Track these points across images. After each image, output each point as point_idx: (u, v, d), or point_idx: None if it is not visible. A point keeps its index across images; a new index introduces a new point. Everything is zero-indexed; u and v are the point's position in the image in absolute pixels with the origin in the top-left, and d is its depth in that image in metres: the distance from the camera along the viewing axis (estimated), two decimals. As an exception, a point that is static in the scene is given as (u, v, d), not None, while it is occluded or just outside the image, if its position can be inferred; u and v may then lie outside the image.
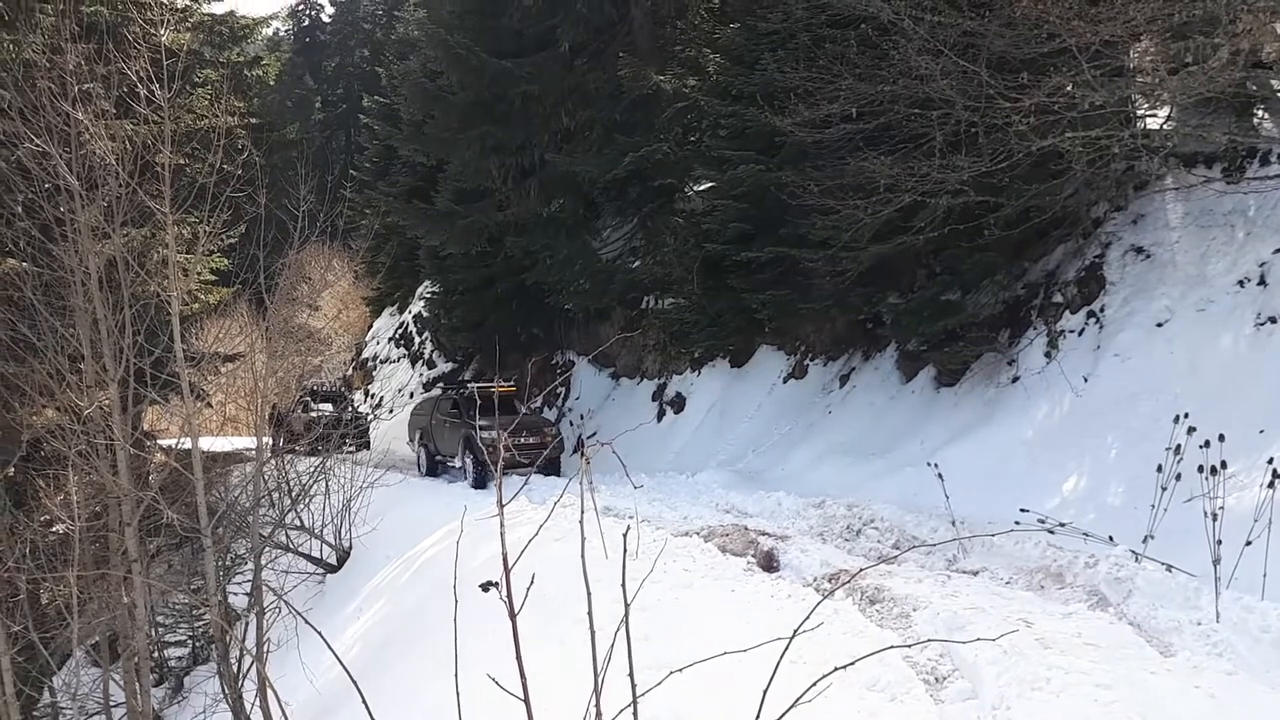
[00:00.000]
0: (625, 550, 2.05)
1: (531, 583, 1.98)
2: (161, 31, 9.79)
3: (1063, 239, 11.66)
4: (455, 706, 3.58)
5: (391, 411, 27.09)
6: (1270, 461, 5.95)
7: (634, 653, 4.01)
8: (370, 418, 22.04)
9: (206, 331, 21.12)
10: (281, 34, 62.20)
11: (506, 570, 1.84)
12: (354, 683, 2.35)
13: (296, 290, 26.77)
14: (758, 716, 1.81)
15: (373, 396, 31.33)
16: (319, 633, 3.23)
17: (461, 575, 2.57)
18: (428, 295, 26.16)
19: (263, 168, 10.69)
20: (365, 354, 34.95)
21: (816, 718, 3.74)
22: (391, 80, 26.12)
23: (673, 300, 16.84)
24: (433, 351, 28.88)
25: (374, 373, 33.11)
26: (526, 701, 1.82)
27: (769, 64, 12.28)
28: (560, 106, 17.97)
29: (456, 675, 2.11)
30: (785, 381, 15.54)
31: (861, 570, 7.03)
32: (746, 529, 9.87)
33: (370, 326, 36.01)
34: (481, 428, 14.97)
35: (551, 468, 15.34)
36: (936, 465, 8.83)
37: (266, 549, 10.30)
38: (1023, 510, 8.20)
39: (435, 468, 17.48)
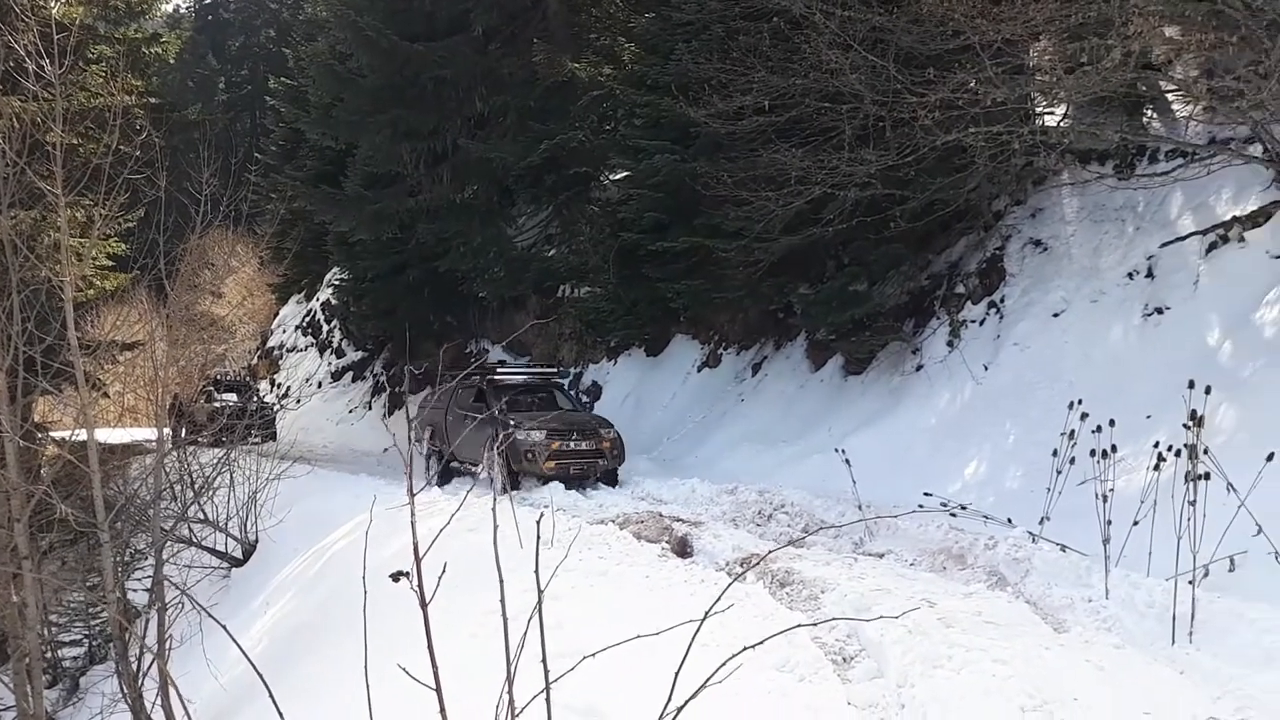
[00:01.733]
0: (538, 538, 2.05)
1: (443, 572, 1.98)
2: (51, 4, 9.34)
3: (965, 231, 12.03)
4: (368, 699, 3.54)
5: (299, 402, 26.46)
6: (1156, 445, 6.25)
7: (548, 640, 4.03)
8: (276, 408, 21.47)
9: (103, 319, 20.29)
10: (182, 11, 59.79)
11: (417, 560, 1.84)
12: (260, 677, 2.31)
13: (199, 276, 25.91)
14: (669, 699, 1.84)
15: (279, 386, 30.54)
16: (224, 627, 3.16)
17: (373, 566, 2.54)
18: (336, 282, 25.58)
19: (162, 149, 10.28)
20: (271, 342, 34.02)
21: (729, 699, 3.82)
22: (299, 62, 25.38)
23: (589, 289, 16.84)
24: (342, 340, 28.29)
25: (280, 362, 32.26)
26: (438, 691, 1.82)
27: (683, 54, 12.35)
28: (474, 92, 17.76)
29: (366, 667, 2.09)
30: (699, 370, 15.70)
31: (770, 553, 7.18)
32: (661, 516, 9.96)
33: (276, 314, 35.04)
34: (520, 427, 11.82)
35: (607, 480, 12.17)
36: (844, 451, 9.05)
37: (168, 543, 9.97)
38: (926, 494, 8.45)
39: (449, 475, 13.94)
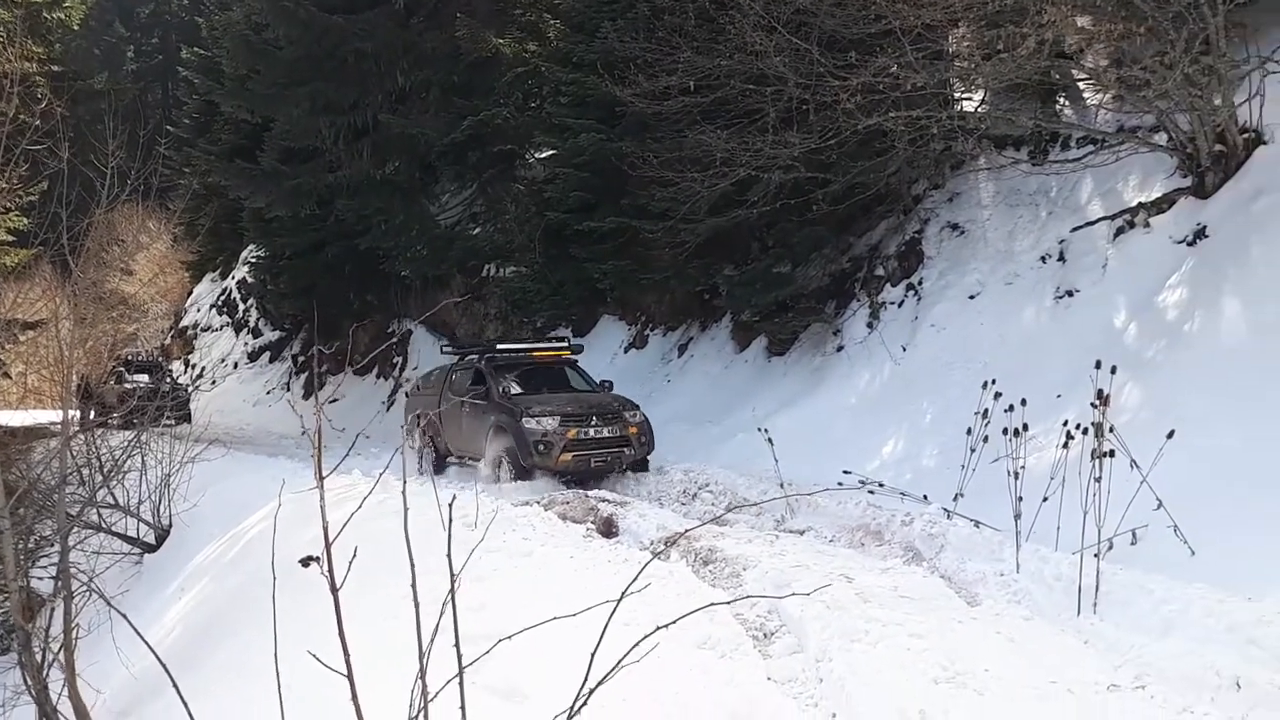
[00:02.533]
0: (450, 520, 2.03)
1: (354, 556, 1.94)
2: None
3: (885, 215, 12.23)
4: (285, 686, 3.47)
5: (214, 383, 25.76)
6: (1065, 424, 6.47)
7: (473, 622, 3.99)
8: (191, 389, 20.85)
9: (4, 296, 19.42)
10: (87, -26, 57.20)
11: (328, 544, 1.80)
12: (166, 671, 2.25)
13: (107, 253, 24.98)
14: (585, 679, 1.84)
15: (193, 367, 29.68)
16: (125, 618, 3.05)
17: (291, 552, 2.49)
18: (253, 260, 24.92)
19: (65, 119, 9.85)
20: (185, 322, 33.02)
21: (649, 677, 3.84)
22: (213, 31, 24.53)
23: (514, 269, 16.71)
24: (259, 319, 27.60)
25: (194, 342, 31.33)
26: (350, 677, 1.79)
27: (609, 33, 12.28)
28: (395, 66, 17.41)
29: (276, 655, 2.05)
30: (626, 351, 15.72)
31: (687, 531, 7.22)
32: (587, 496, 9.96)
33: (190, 293, 33.99)
34: (528, 412, 10.28)
35: (636, 470, 10.62)
36: (767, 431, 9.16)
37: (75, 529, 9.62)
38: (846, 472, 8.62)
39: (444, 468, 12.56)
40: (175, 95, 41.14)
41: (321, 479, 1.80)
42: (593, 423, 10.31)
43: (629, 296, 15.37)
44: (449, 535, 1.95)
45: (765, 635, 5.68)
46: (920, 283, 11.22)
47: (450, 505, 2.01)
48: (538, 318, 16.36)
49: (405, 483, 2.03)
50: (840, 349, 11.60)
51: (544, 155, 16.29)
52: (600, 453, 10.25)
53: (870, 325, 11.40)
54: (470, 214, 19.17)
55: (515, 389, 11.24)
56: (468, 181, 18.64)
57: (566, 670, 2.32)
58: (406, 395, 14.67)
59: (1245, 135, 8.51)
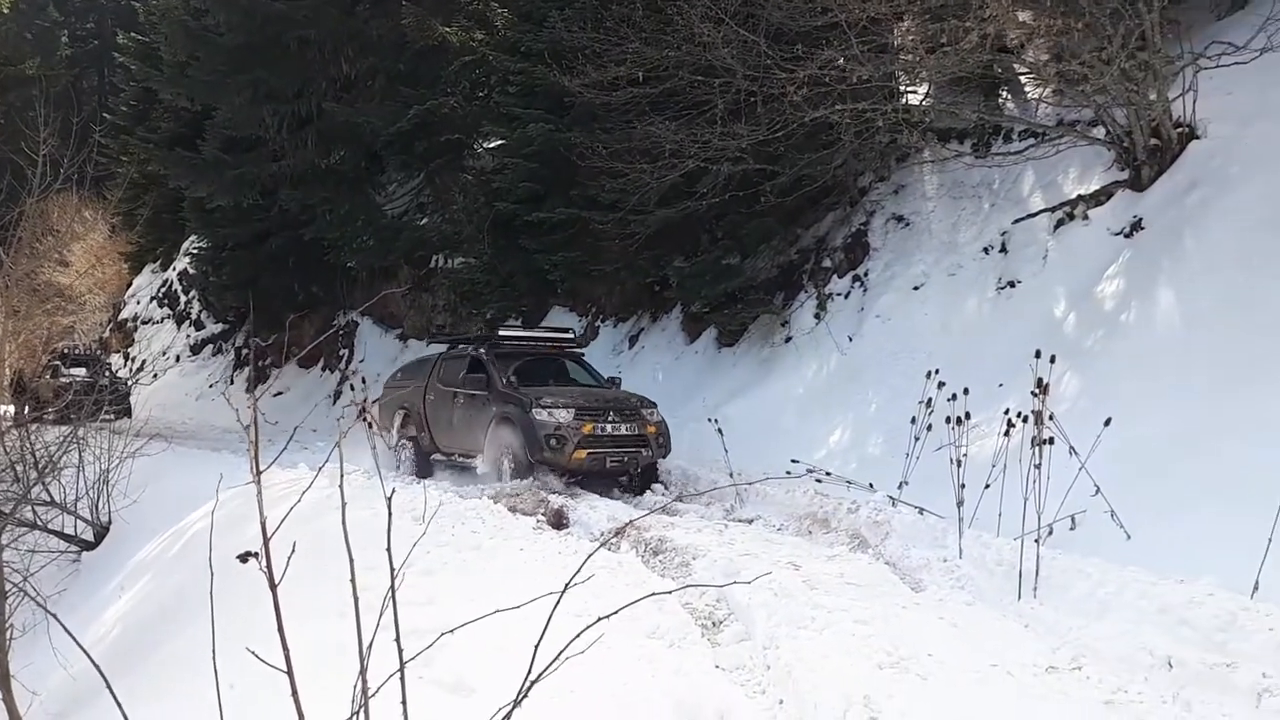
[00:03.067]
0: (390, 514, 2.01)
1: (292, 552, 1.91)
2: None
3: (832, 207, 12.35)
4: (230, 684, 3.41)
5: (155, 376, 25.21)
6: (1007, 412, 6.60)
7: (420, 617, 3.96)
8: (130, 382, 20.38)
9: (-70, 288, 18.78)
10: (17, -45, 55.41)
11: (265, 540, 1.77)
12: (100, 673, 2.20)
13: (40, 243, 24.26)
14: (528, 672, 1.84)
15: (133, 360, 29.01)
16: (59, 622, 2.98)
17: (236, 547, 2.44)
18: (194, 251, 24.40)
19: (-7, 105, 9.52)
20: (124, 314, 32.23)
21: (598, 667, 3.85)
22: (150, 17, 23.93)
23: (463, 259, 16.56)
24: (201, 311, 27.05)
25: (134, 334, 30.61)
26: (290, 673, 1.76)
27: (556, 22, 12.21)
28: (340, 53, 17.15)
29: (214, 654, 2.02)
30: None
31: (632, 522, 7.29)
32: (546, 483, 9.95)
33: (129, 284, 33.18)
34: (539, 403, 9.41)
35: (646, 477, 9.85)
36: (717, 421, 9.22)
37: (8, 527, 9.36)
38: (794, 461, 8.70)
39: (428, 467, 11.42)
40: (112, 82, 40.02)
41: (258, 474, 1.77)
42: (610, 419, 9.46)
43: (579, 288, 15.33)
44: (389, 529, 1.93)
45: (714, 624, 5.72)
46: (866, 274, 11.35)
47: (390, 499, 1.99)
48: (487, 309, 16.24)
49: (342, 477, 2.00)
50: (789, 340, 11.70)
51: (492, 145, 16.15)
52: (617, 452, 9.39)
53: (818, 316, 11.51)
54: (418, 204, 18.97)
55: (519, 380, 10.35)
56: (415, 171, 18.43)
57: (515, 663, 2.32)
58: (384, 387, 13.34)
59: (1179, 130, 8.73)
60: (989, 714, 3.75)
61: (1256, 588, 4.85)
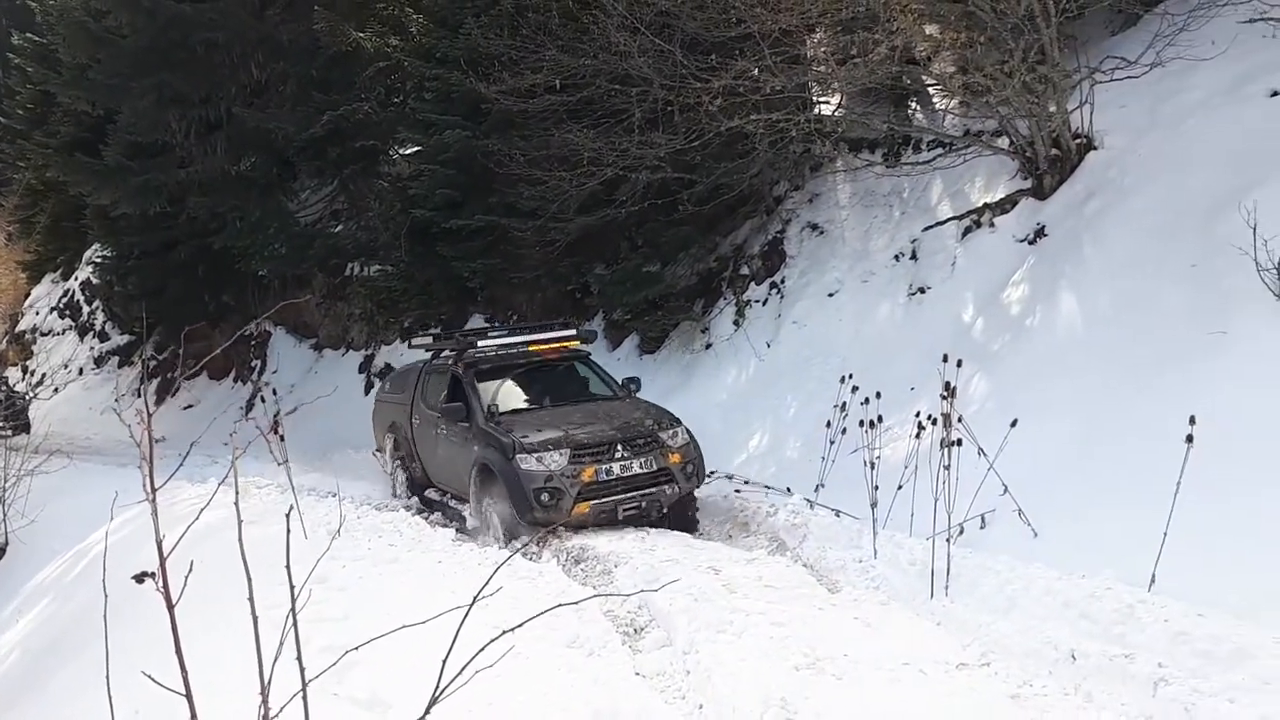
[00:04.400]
0: (289, 530, 1.97)
1: (190, 570, 1.86)
2: None
3: (749, 215, 12.51)
4: (135, 710, 3.28)
5: (56, 390, 24.21)
6: (918, 415, 6.76)
7: (334, 633, 3.88)
8: (29, 396, 19.52)
9: None
10: (-99, -50, 52.72)
11: (161, 559, 1.71)
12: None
13: (-71, 252, 23.11)
14: (437, 686, 1.81)
15: (32, 373, 27.78)
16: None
17: (143, 566, 2.36)
18: (98, 259, 23.47)
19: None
20: (22, 325, 30.84)
21: (516, 678, 3.82)
22: (48, 17, 22.91)
23: (379, 267, 16.28)
24: (105, 322, 26.05)
25: (33, 347, 29.32)
26: (188, 696, 1.71)
27: (472, 28, 12.12)
28: (250, 58, 16.69)
29: (108, 675, 1.94)
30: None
31: (554, 528, 7.26)
32: (459, 496, 9.83)
33: (28, 294, 31.77)
34: (524, 445, 7.60)
35: (681, 513, 8.08)
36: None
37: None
38: (711, 472, 8.77)
39: (427, 503, 9.75)
40: (6, 84, 38.32)
41: (153, 491, 1.71)
42: (617, 455, 7.67)
43: (499, 295, 15.21)
44: (287, 546, 1.89)
45: (635, 631, 5.74)
46: (783, 281, 11.52)
47: (289, 515, 1.95)
48: (405, 318, 16.01)
49: (238, 493, 1.95)
50: (709, 346, 11.81)
51: (408, 152, 15.94)
52: (630, 497, 7.61)
53: (736, 323, 11.64)
54: (332, 211, 18.59)
55: (507, 403, 8.52)
56: (329, 178, 18.06)
57: (431, 678, 2.29)
58: (375, 399, 11.83)
59: (1078, 140, 9.08)
60: (901, 711, 3.83)
61: (1153, 581, 5.05)
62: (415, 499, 9.85)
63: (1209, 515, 5.12)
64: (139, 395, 22.89)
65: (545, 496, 7.43)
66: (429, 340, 10.21)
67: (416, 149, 14.96)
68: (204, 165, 17.08)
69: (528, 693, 3.78)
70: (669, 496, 7.79)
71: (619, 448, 7.72)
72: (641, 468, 7.73)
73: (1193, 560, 4.96)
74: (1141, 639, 4.44)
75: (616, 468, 7.66)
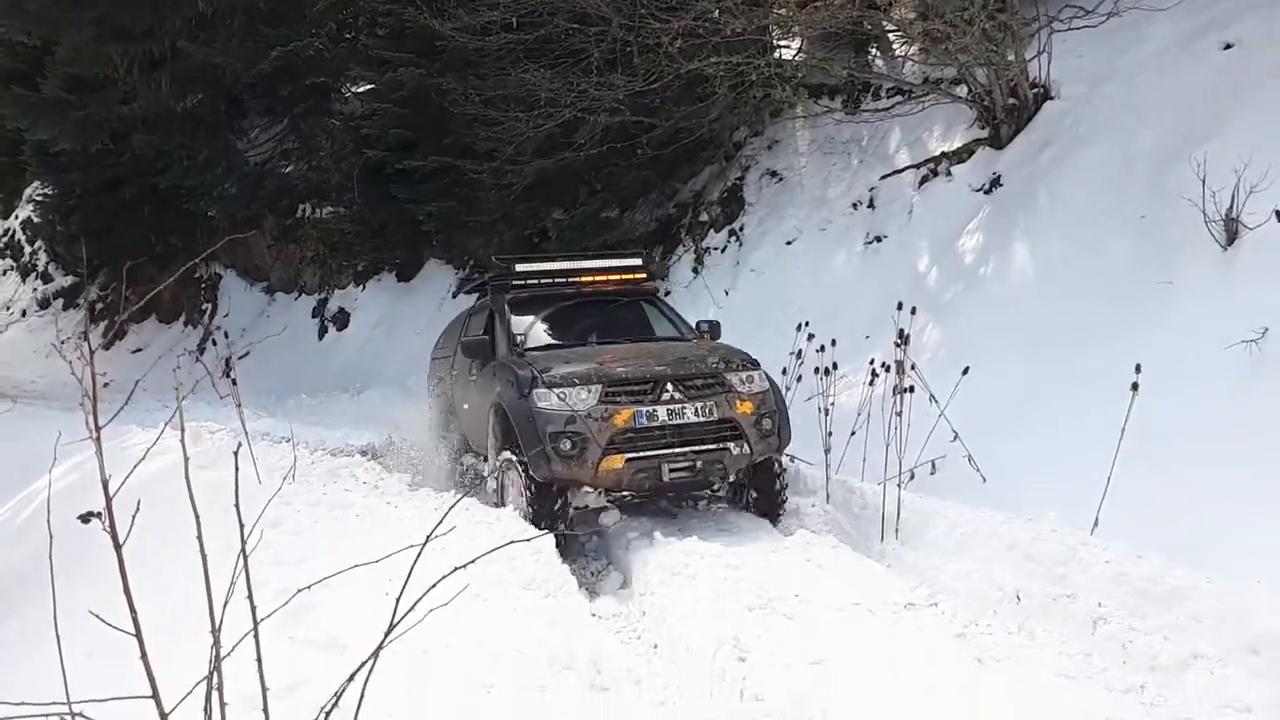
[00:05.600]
0: (237, 468, 1.94)
1: (137, 510, 1.83)
2: None
3: (709, 161, 12.44)
4: (89, 653, 3.26)
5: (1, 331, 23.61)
6: (872, 362, 6.85)
7: (289, 577, 3.86)
8: (-31, 339, 19.00)
9: None
10: None
11: (108, 499, 1.68)
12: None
13: None
14: (390, 624, 1.82)
15: (-29, 316, 27.03)
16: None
17: (86, 509, 2.33)
18: (39, 198, 22.74)
19: None
20: (-40, 266, 29.92)
21: (472, 620, 3.84)
22: (-23, -61, 21.91)
23: (332, 209, 16.00)
24: (48, 263, 25.35)
25: (-28, 287, 28.49)
26: (138, 635, 1.70)
27: (427, -39, 11.78)
28: (196, -11, 16.12)
29: (55, 620, 1.92)
30: (455, 296, 15.40)
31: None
32: (415, 443, 9.78)
33: (-35, 233, 30.78)
34: (544, 378, 6.02)
35: (765, 500, 6.39)
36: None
37: None
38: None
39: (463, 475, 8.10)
40: (-64, 11, 36.63)
41: (98, 429, 1.68)
42: (664, 396, 5.92)
43: (455, 239, 15.02)
44: (236, 484, 1.87)
45: (593, 574, 5.81)
46: (742, 229, 11.51)
47: (235, 453, 1.92)
48: (359, 261, 15.79)
49: (184, 430, 1.92)
50: (668, 294, 11.77)
51: (361, 90, 15.55)
52: (681, 454, 5.85)
53: (695, 270, 11.63)
54: (282, 151, 18.16)
55: (539, 339, 7.07)
56: (279, 116, 17.59)
57: (388, 619, 2.30)
58: (435, 348, 9.72)
59: (1035, 90, 9.12)
60: (850, 649, 3.93)
61: (1096, 524, 5.19)
62: (463, 477, 8.05)
63: (1151, 460, 5.27)
64: (85, 338, 22.41)
65: (565, 444, 5.75)
66: (476, 277, 8.99)
67: (369, 87, 14.61)
68: (148, 101, 16.55)
69: (484, 633, 3.81)
70: (735, 459, 5.95)
71: (667, 387, 5.94)
72: (697, 415, 5.93)
73: (1134, 504, 5.11)
74: (1083, 579, 4.58)
75: (662, 412, 5.87)
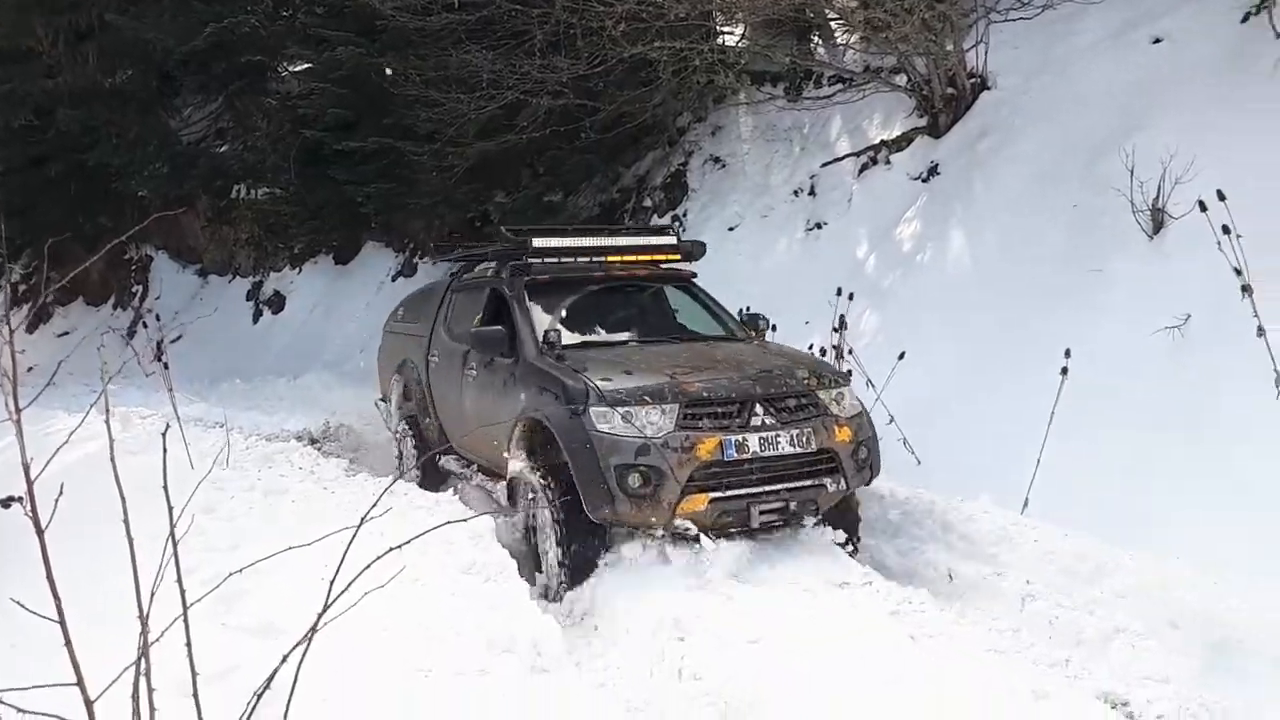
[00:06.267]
0: (165, 449, 1.90)
1: (60, 493, 1.78)
2: None
3: (652, 146, 12.43)
4: (4, 641, 3.16)
5: (-85, 315, 22.68)
6: (811, 347, 6.94)
7: (222, 563, 3.79)
8: (-117, 322, 18.21)
9: None
10: None
11: (29, 481, 1.64)
12: None
13: None
14: (324, 606, 1.80)
15: (-113, 296, 25.95)
16: None
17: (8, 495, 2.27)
18: (-43, 175, 21.90)
19: None
20: (-127, 245, 28.70)
21: (410, 603, 3.82)
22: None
23: (268, 190, 15.66)
24: (-32, 243, 24.44)
25: (-113, 268, 27.35)
26: (61, 622, 1.66)
27: (367, -62, 11.56)
28: (124, -40, 15.59)
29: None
30: (394, 279, 15.21)
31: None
32: (351, 429, 9.67)
33: (-122, 211, 29.51)
34: (603, 393, 4.94)
35: (843, 520, 5.28)
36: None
37: None
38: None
39: (441, 476, 7.16)
40: None
41: (18, 410, 1.63)
42: (754, 420, 4.98)
43: (395, 222, 14.79)
44: (164, 464, 1.83)
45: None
46: (685, 214, 11.54)
47: (164, 434, 1.88)
48: (295, 243, 15.49)
49: (109, 411, 1.87)
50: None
51: (299, 69, 15.22)
52: (773, 492, 4.94)
53: (638, 255, 11.62)
54: (217, 130, 17.69)
55: (568, 334, 5.87)
56: (213, 94, 17.12)
57: (323, 603, 2.27)
58: (384, 330, 8.91)
59: (972, 80, 9.27)
60: (786, 627, 3.99)
61: (1026, 504, 5.35)
62: (420, 481, 7.04)
63: (1080, 442, 5.43)
64: (7, 321, 21.69)
65: (635, 480, 4.72)
66: (459, 249, 8.14)
67: (307, 66, 14.31)
68: (75, 75, 15.97)
69: (422, 617, 3.79)
70: (830, 495, 5.10)
71: (756, 409, 4.99)
72: (793, 445, 4.97)
73: (1063, 484, 5.27)
74: (1013, 558, 4.71)
75: (753, 441, 4.88)
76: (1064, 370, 5.43)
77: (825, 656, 3.73)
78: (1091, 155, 7.61)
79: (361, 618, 2.53)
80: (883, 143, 9.96)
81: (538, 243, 6.32)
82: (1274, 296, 5.19)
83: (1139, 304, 6.25)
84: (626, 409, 4.82)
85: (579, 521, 4.91)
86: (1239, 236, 5.31)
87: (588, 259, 6.48)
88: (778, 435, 4.93)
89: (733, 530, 4.91)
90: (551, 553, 5.08)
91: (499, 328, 5.96)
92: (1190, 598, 4.08)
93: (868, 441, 5.35)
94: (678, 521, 4.77)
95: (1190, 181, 6.17)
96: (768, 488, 4.91)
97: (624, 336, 6.17)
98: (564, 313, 6.12)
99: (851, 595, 4.41)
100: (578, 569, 4.90)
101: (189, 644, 1.78)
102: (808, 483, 5.00)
